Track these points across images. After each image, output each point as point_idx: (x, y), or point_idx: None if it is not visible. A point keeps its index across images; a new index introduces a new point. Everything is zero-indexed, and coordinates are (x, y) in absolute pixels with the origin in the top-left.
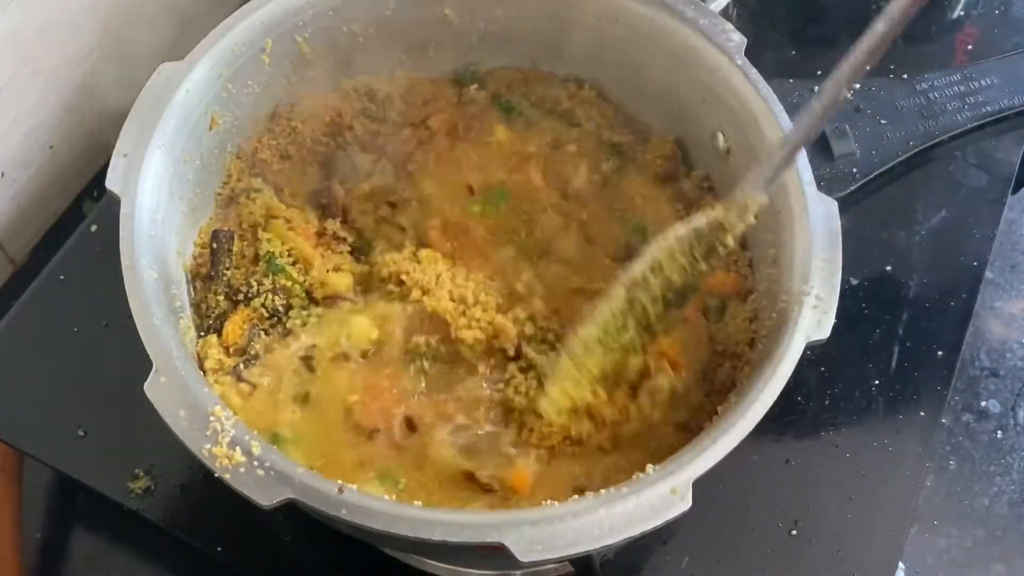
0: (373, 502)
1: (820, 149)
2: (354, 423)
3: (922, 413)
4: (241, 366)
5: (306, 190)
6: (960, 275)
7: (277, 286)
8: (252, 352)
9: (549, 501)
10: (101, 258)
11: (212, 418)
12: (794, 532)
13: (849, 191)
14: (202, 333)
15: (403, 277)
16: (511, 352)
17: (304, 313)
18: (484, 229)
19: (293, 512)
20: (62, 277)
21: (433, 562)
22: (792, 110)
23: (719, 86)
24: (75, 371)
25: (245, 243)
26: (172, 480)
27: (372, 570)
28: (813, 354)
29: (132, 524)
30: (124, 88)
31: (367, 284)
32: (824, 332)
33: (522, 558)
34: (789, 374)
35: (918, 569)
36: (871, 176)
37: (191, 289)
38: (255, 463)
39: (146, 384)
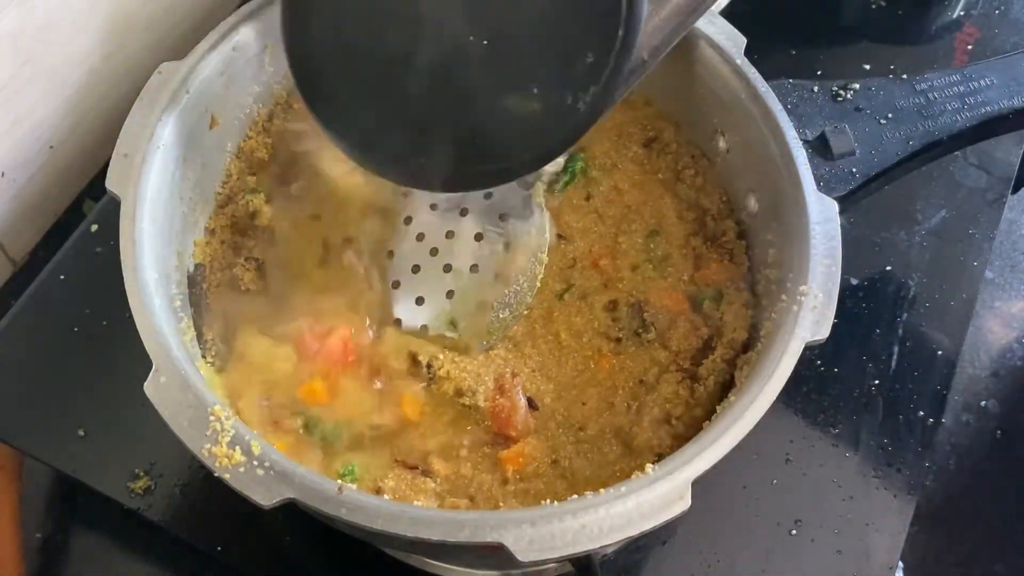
0: (373, 502)
1: (820, 149)
2: None
3: (922, 413)
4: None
5: None
6: (960, 275)
7: None
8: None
9: (547, 501)
10: (101, 258)
11: (212, 418)
12: (794, 532)
13: (849, 191)
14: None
15: None
16: None
17: None
18: None
19: (293, 512)
20: (62, 277)
21: (433, 562)
22: (792, 110)
23: (719, 86)
24: (75, 371)
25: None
26: (172, 480)
27: (372, 570)
28: (813, 354)
29: (132, 524)
30: (124, 88)
31: None
32: (824, 332)
33: (521, 558)
34: (788, 374)
35: (918, 569)
36: (871, 176)
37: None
38: (255, 463)
39: (146, 384)
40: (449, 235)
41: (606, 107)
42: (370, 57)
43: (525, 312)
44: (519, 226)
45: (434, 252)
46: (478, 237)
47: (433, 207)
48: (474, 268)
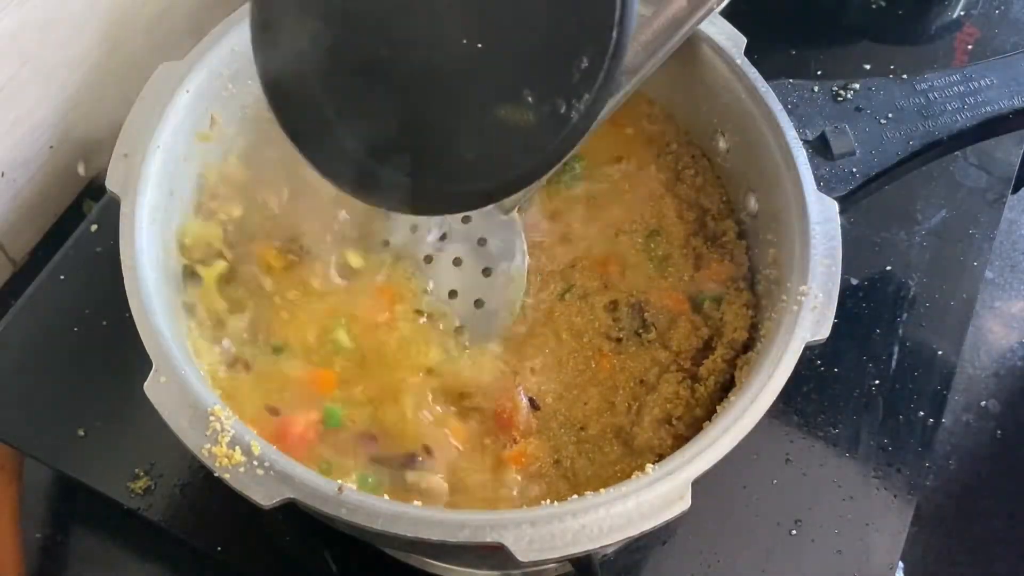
0: (373, 502)
1: (820, 149)
2: None
3: (922, 413)
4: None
5: None
6: (960, 275)
7: None
8: None
9: (547, 501)
10: (101, 258)
11: (212, 418)
12: (794, 532)
13: (849, 191)
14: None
15: None
16: None
17: None
18: None
19: (293, 512)
20: (62, 277)
21: (433, 562)
22: (792, 110)
23: (719, 86)
24: (75, 371)
25: None
26: (172, 480)
27: (372, 570)
28: (813, 354)
29: (132, 524)
30: (124, 88)
31: None
32: (824, 332)
33: (522, 558)
34: (788, 374)
35: (918, 569)
36: (871, 176)
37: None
38: (255, 463)
39: (146, 384)
40: (427, 259)
41: (596, 118)
42: (349, 59)
43: (504, 335)
44: (499, 251)
45: (410, 277)
46: (457, 262)
47: (413, 229)
48: (452, 293)
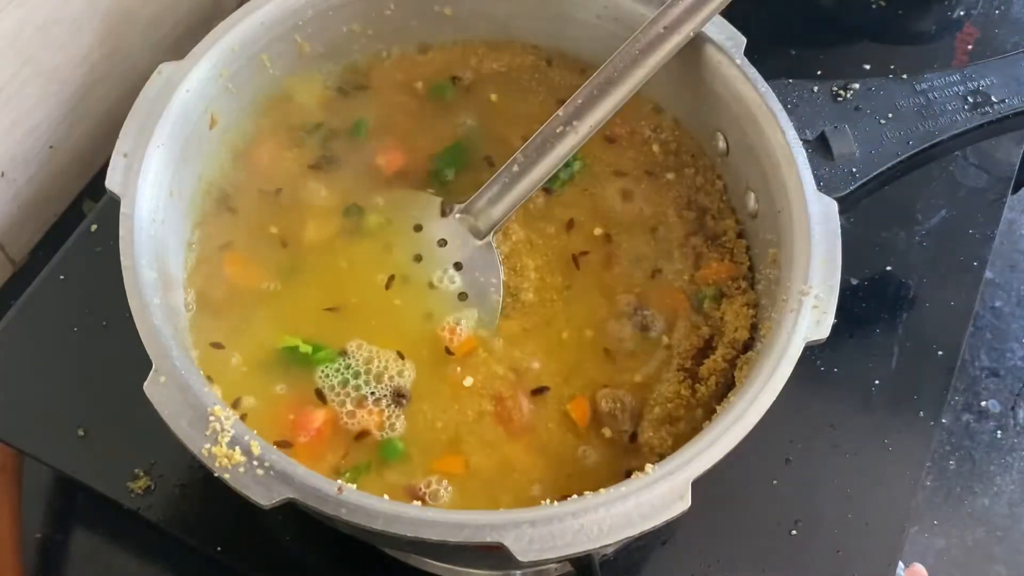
0: (373, 502)
1: (820, 149)
2: None
3: (922, 413)
4: None
5: None
6: (960, 275)
7: None
8: None
9: (547, 501)
10: (101, 258)
11: (212, 418)
12: (794, 532)
13: (849, 191)
14: None
15: None
16: None
17: None
18: None
19: (293, 512)
20: (62, 277)
21: (433, 562)
22: (792, 110)
23: (718, 86)
24: (75, 371)
25: None
26: (172, 480)
27: (372, 570)
28: (813, 354)
29: (132, 524)
30: (124, 88)
31: None
32: (824, 332)
33: (521, 558)
34: (788, 374)
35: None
36: (871, 176)
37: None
38: (255, 463)
39: (146, 384)
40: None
41: None
42: None
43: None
44: (475, 276)
45: None
46: (431, 286)
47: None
48: (427, 318)
